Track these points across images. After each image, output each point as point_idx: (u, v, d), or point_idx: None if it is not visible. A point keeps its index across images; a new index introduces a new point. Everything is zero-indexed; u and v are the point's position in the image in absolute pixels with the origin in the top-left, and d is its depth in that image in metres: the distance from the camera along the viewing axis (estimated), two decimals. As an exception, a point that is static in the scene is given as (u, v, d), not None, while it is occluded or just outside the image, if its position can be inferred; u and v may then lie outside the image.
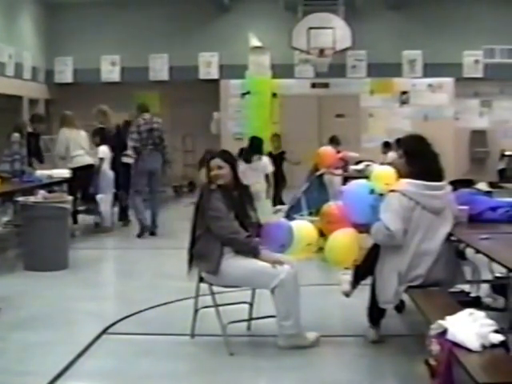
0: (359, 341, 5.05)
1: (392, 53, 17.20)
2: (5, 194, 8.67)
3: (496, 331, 3.43)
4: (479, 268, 5.66)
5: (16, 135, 9.53)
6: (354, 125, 17.33)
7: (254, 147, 10.14)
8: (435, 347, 3.49)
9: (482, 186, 6.51)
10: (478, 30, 17.05)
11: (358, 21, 16.31)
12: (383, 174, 5.13)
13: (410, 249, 4.66)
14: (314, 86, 17.83)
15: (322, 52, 15.50)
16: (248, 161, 9.74)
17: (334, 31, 15.43)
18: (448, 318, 3.59)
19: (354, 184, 5.32)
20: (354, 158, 11.54)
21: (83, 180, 10.01)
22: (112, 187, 10.45)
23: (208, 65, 17.89)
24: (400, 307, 5.42)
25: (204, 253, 4.89)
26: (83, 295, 6.60)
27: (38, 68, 17.43)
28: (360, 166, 10.79)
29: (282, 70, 17.07)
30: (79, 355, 4.75)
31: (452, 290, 5.08)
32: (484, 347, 3.36)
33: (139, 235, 9.89)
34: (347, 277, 5.21)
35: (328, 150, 9.21)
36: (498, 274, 5.69)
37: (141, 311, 5.90)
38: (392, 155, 10.43)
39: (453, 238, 4.83)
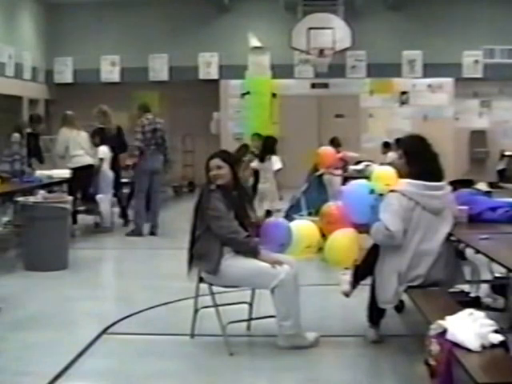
0: (359, 341, 5.05)
1: (392, 53, 17.20)
2: (5, 194, 8.68)
3: (496, 331, 3.43)
4: (479, 268, 5.66)
5: (16, 135, 9.53)
6: (353, 125, 17.34)
7: (268, 147, 10.20)
8: (435, 347, 3.50)
9: (482, 186, 6.51)
10: (478, 31, 17.07)
11: (358, 21, 16.32)
12: (384, 174, 5.14)
13: (410, 249, 4.66)
14: (313, 86, 17.84)
15: (321, 52, 15.49)
16: (262, 160, 9.90)
17: (333, 31, 15.42)
18: (448, 318, 3.60)
19: (353, 184, 5.32)
20: (353, 158, 11.55)
21: (83, 180, 10.01)
22: (112, 187, 10.46)
23: (208, 65, 17.90)
24: (400, 307, 5.43)
25: (204, 253, 4.89)
26: (83, 295, 6.61)
27: (38, 68, 17.43)
28: (360, 166, 10.80)
29: (282, 71, 17.08)
30: (79, 355, 4.75)
31: (452, 290, 5.08)
32: (484, 347, 3.36)
33: (128, 234, 9.93)
34: (347, 277, 5.21)
35: (328, 150, 9.22)
36: (497, 274, 5.69)
37: (141, 311, 5.90)
38: (392, 155, 10.44)
39: (452, 238, 4.83)
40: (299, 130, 17.07)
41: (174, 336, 5.24)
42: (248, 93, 17.08)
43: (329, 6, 15.66)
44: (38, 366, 4.57)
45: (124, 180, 11.26)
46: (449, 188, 4.95)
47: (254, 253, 4.84)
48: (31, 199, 7.99)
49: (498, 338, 3.39)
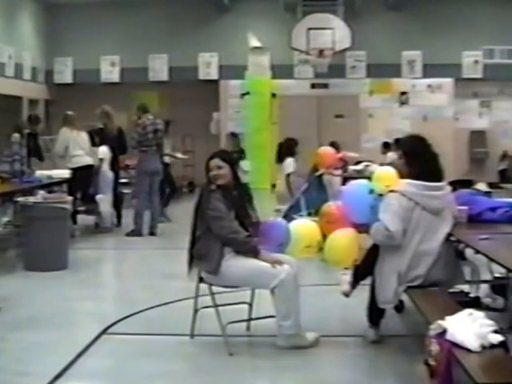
0: (359, 341, 5.05)
1: (391, 53, 17.22)
2: (5, 194, 8.68)
3: (495, 331, 3.43)
4: (479, 268, 5.67)
5: (16, 135, 9.54)
6: (353, 125, 17.34)
7: (286, 148, 10.18)
8: (434, 347, 3.50)
9: (482, 186, 6.51)
10: (478, 31, 17.08)
11: (358, 21, 16.33)
12: (384, 174, 5.14)
13: (410, 249, 4.67)
14: (313, 86, 17.85)
15: (321, 52, 15.51)
16: (279, 161, 9.90)
17: (333, 32, 15.44)
18: (447, 318, 3.60)
19: (353, 184, 5.32)
20: (353, 159, 11.54)
21: (83, 180, 10.02)
22: (111, 188, 10.46)
23: (208, 65, 17.91)
24: (399, 307, 5.43)
25: (204, 253, 4.89)
26: (83, 295, 6.61)
27: (38, 68, 17.44)
28: (359, 167, 10.80)
29: (282, 71, 17.10)
30: (79, 355, 4.75)
31: (451, 290, 5.08)
32: (483, 347, 3.36)
33: (128, 234, 9.94)
34: (347, 277, 5.21)
35: (328, 150, 9.21)
36: (497, 275, 5.69)
37: (141, 311, 5.90)
38: (391, 155, 10.44)
39: (452, 239, 4.83)
40: (299, 131, 16.96)
41: (174, 336, 5.24)
42: (248, 93, 17.09)
43: (328, 6, 15.68)
44: (37, 366, 4.57)
45: (123, 180, 11.28)
46: (448, 188, 4.95)
47: (254, 253, 4.84)
48: (31, 199, 7.99)
49: (497, 338, 3.39)
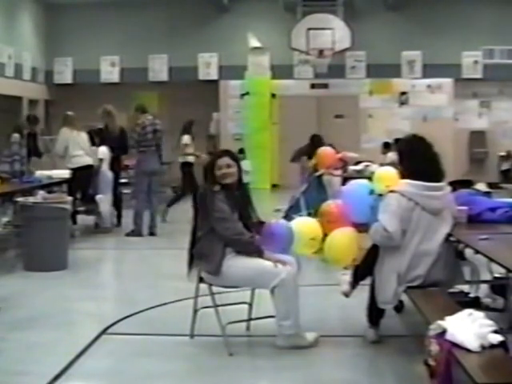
0: (358, 341, 5.05)
1: (391, 53, 17.22)
2: (4, 194, 8.68)
3: (495, 331, 3.43)
4: (478, 268, 5.67)
5: (16, 136, 9.54)
6: (353, 125, 17.35)
7: (315, 145, 10.13)
8: (434, 347, 3.50)
9: (481, 186, 6.51)
10: (477, 31, 17.08)
11: (357, 21, 16.34)
12: (385, 174, 5.14)
13: (410, 249, 4.67)
14: (313, 86, 17.85)
15: (321, 53, 15.52)
16: (310, 157, 9.88)
17: (333, 32, 15.45)
18: (447, 318, 3.60)
19: (354, 184, 5.32)
20: (353, 159, 11.53)
21: (83, 180, 10.02)
22: (111, 188, 10.47)
23: (207, 65, 17.91)
24: (399, 307, 5.43)
25: (206, 253, 4.87)
26: (83, 295, 6.61)
27: (38, 69, 17.44)
28: (359, 167, 10.79)
29: (282, 71, 17.12)
30: (79, 355, 4.75)
31: (451, 290, 5.09)
32: (483, 347, 3.36)
33: (128, 234, 9.95)
34: (346, 277, 5.21)
35: (327, 150, 9.21)
36: (497, 275, 5.69)
37: (140, 311, 5.90)
38: (391, 156, 10.44)
39: (452, 239, 4.84)
40: (299, 131, 17.02)
41: (174, 336, 5.24)
42: (247, 93, 17.13)
43: (328, 6, 15.69)
44: (37, 366, 4.57)
45: (123, 180, 11.29)
46: (448, 188, 4.95)
47: (258, 253, 4.84)
48: (31, 199, 7.99)
49: (497, 338, 3.39)
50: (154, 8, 17.60)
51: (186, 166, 11.49)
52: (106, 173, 10.34)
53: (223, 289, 5.03)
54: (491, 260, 4.29)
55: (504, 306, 5.42)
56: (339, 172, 10.29)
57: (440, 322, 3.56)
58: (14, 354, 4.83)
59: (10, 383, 4.34)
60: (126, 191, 11.31)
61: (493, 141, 17.75)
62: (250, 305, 5.33)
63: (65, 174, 10.01)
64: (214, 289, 4.97)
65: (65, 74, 18.16)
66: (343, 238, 5.08)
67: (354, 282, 5.18)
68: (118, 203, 10.76)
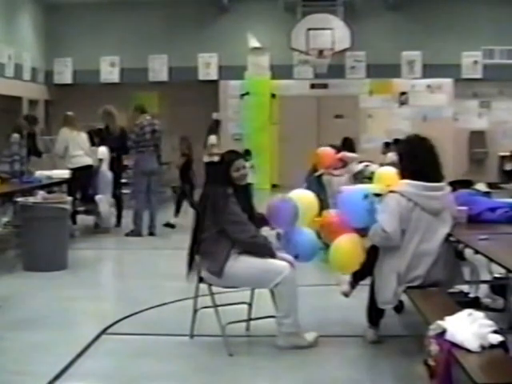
0: (358, 341, 5.05)
1: (391, 54, 17.21)
2: (4, 194, 8.68)
3: (495, 332, 3.43)
4: (478, 268, 5.67)
5: (15, 136, 9.53)
6: (353, 125, 17.33)
7: (347, 147, 10.07)
8: (434, 348, 3.50)
9: (481, 186, 6.51)
10: (477, 31, 17.08)
11: (357, 22, 16.34)
12: (385, 174, 5.13)
13: (409, 249, 4.67)
14: (313, 86, 17.84)
15: (321, 53, 15.52)
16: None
17: (333, 32, 15.46)
18: (447, 318, 3.60)
19: (348, 190, 5.27)
20: (353, 159, 11.52)
21: (82, 181, 10.02)
22: (111, 188, 10.47)
23: (207, 66, 17.91)
24: (399, 308, 5.43)
25: (211, 251, 4.86)
26: (82, 295, 6.61)
27: (38, 69, 17.44)
28: (359, 167, 10.77)
29: (281, 71, 17.11)
30: (78, 355, 4.76)
31: (451, 290, 5.09)
32: (483, 348, 3.36)
33: (128, 234, 9.95)
34: (346, 277, 5.22)
35: (327, 150, 9.21)
36: (496, 275, 5.70)
37: (140, 311, 5.90)
38: (391, 156, 10.42)
39: (452, 239, 4.84)
40: (298, 131, 17.08)
41: (174, 336, 5.25)
42: (247, 93, 17.12)
43: (328, 6, 15.70)
44: (37, 366, 4.57)
45: (123, 180, 11.28)
46: (448, 188, 4.95)
47: (271, 255, 4.89)
48: (31, 200, 7.99)
49: (497, 338, 3.39)
50: (154, 8, 17.59)
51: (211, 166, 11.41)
52: (106, 173, 10.34)
53: (223, 289, 5.03)
54: (491, 260, 4.29)
55: (504, 306, 5.42)
56: (339, 172, 10.28)
57: (440, 322, 3.56)
58: (13, 354, 4.84)
59: (10, 383, 4.34)
60: (125, 191, 11.31)
61: (493, 141, 17.74)
62: (250, 305, 5.33)
63: (64, 174, 10.01)
64: (214, 289, 4.97)
65: (65, 74, 18.16)
66: (347, 245, 5.01)
67: (354, 282, 5.18)
68: (119, 203, 10.76)
